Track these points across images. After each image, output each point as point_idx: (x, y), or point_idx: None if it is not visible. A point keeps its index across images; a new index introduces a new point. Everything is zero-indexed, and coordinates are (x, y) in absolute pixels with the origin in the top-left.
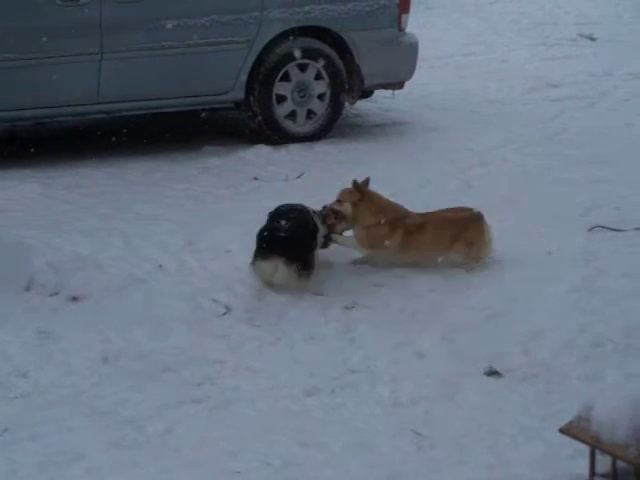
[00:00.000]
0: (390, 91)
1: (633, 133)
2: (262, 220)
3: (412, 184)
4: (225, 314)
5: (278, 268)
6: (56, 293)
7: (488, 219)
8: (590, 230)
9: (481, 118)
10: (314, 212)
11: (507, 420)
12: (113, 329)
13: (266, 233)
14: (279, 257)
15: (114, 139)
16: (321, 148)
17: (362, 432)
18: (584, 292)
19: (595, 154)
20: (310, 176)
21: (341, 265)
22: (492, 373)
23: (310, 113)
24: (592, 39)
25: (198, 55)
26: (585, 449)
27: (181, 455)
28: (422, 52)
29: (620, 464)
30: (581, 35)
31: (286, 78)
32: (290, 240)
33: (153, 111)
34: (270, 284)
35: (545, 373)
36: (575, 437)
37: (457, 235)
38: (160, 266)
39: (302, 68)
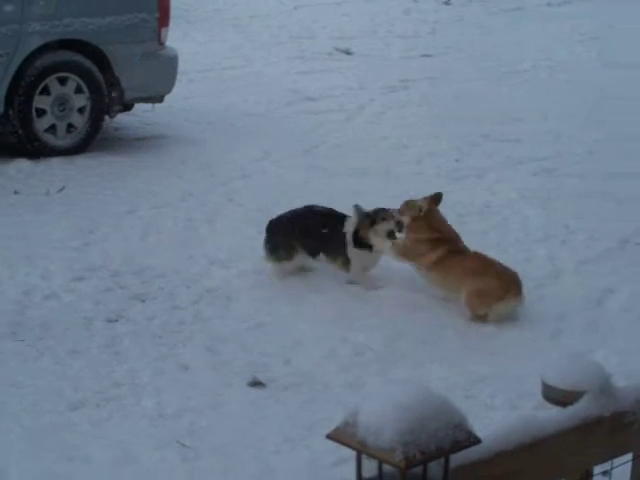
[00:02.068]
0: (150, 104)
1: (388, 146)
2: (22, 235)
3: (174, 197)
4: None
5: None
6: None
7: (248, 232)
8: None
9: (241, 131)
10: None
11: (272, 429)
12: None
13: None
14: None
15: None
16: (82, 162)
17: (128, 445)
18: (345, 302)
19: (353, 166)
20: (71, 190)
21: (104, 277)
22: (256, 383)
23: (70, 127)
24: (348, 53)
25: None
26: (351, 455)
27: None
28: (182, 66)
29: (386, 468)
30: (338, 49)
31: (46, 92)
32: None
33: None
34: None
35: (308, 382)
36: (342, 442)
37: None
38: None
39: (62, 81)
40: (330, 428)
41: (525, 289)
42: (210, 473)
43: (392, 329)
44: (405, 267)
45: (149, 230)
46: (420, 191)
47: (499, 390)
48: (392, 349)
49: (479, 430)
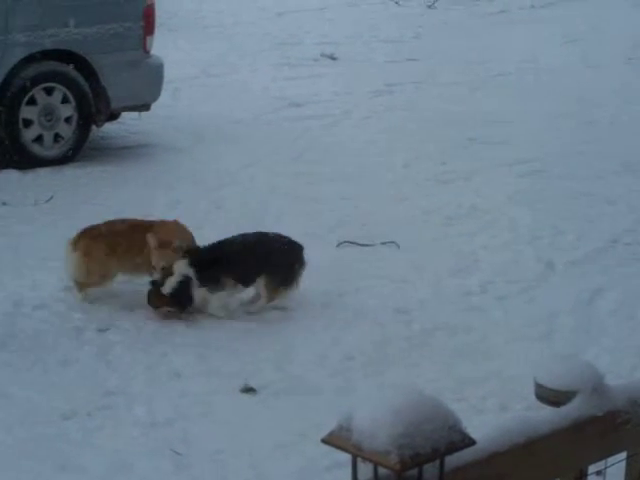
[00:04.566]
0: (137, 113)
1: (375, 150)
2: (11, 245)
3: (162, 206)
4: None
5: None
6: None
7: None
8: (338, 246)
9: (227, 139)
10: None
11: (264, 435)
12: None
13: None
14: None
15: None
16: (70, 171)
17: (121, 453)
18: (335, 306)
19: (340, 171)
20: (59, 200)
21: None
22: (247, 390)
23: (57, 137)
24: (333, 58)
25: None
26: (344, 460)
27: None
28: (167, 74)
29: (382, 471)
30: (323, 55)
31: (32, 102)
32: None
33: None
34: None
35: (299, 388)
36: (337, 446)
37: None
38: None
39: (48, 92)
40: (322, 433)
41: (512, 290)
42: None
43: (381, 333)
44: (388, 273)
45: None
46: (408, 194)
47: (490, 392)
48: (382, 353)
49: (471, 433)
